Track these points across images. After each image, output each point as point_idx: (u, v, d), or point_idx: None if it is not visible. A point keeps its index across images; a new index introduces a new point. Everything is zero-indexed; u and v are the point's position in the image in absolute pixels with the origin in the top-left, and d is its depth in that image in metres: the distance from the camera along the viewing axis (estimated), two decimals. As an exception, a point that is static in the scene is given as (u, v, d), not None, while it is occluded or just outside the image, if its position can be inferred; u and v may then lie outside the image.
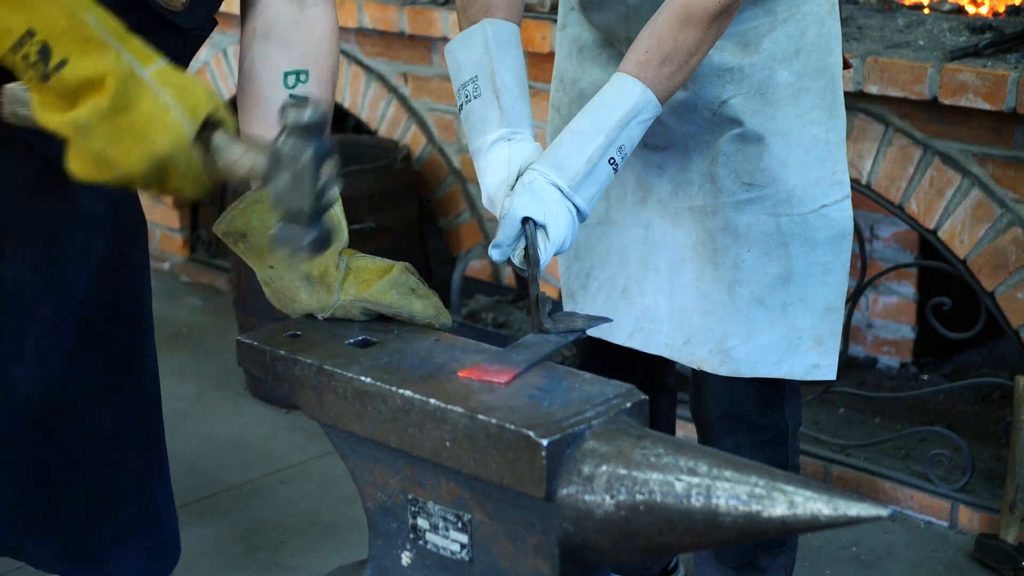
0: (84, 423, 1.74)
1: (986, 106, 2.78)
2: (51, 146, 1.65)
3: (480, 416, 1.33)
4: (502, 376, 1.42)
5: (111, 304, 1.75)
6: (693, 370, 2.31)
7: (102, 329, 1.73)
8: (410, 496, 1.45)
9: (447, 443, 1.36)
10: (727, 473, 1.27)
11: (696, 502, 1.26)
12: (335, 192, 1.47)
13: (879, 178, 3.06)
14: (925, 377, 3.70)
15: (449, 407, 1.36)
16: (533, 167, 1.81)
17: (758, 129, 2.11)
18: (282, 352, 1.51)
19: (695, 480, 1.27)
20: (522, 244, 1.76)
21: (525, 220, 1.76)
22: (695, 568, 2.51)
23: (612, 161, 1.82)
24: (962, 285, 3.08)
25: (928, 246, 3.49)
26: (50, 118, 1.37)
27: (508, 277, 4.08)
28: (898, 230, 3.64)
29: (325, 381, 1.46)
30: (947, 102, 2.83)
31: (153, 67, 1.36)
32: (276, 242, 1.38)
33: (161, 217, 5.01)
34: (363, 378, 1.43)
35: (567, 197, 1.78)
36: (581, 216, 1.82)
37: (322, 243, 1.37)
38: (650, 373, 2.45)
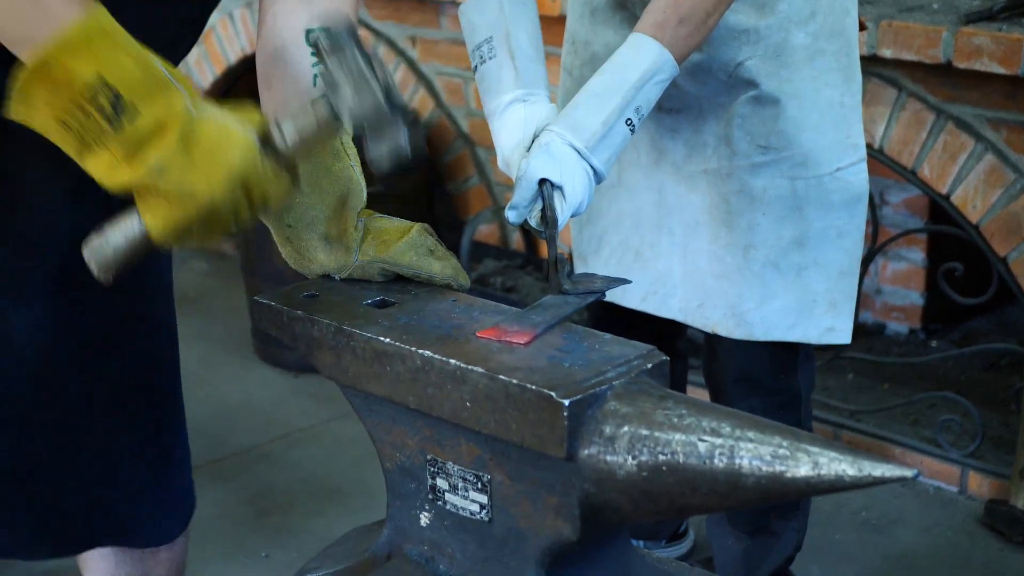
0: (95, 374, 1.73)
1: (1001, 70, 2.76)
2: None
3: (501, 376, 1.32)
4: (522, 337, 1.42)
5: None
6: (706, 334, 2.31)
7: (117, 284, 1.72)
8: (429, 457, 1.44)
9: (467, 403, 1.36)
10: (750, 434, 1.26)
11: (719, 463, 1.25)
12: (395, 84, 1.45)
13: (891, 143, 3.04)
14: (934, 343, 3.70)
15: (469, 367, 1.35)
16: (549, 128, 1.79)
17: (773, 91, 2.10)
18: (299, 312, 1.50)
19: (718, 441, 1.26)
20: (539, 206, 1.75)
21: (542, 182, 1.75)
22: (707, 532, 2.51)
23: (629, 122, 1.81)
24: (972, 251, 3.07)
25: (937, 212, 3.48)
26: (121, 174, 1.32)
27: (516, 242, 4.07)
28: (908, 196, 3.63)
29: (343, 341, 1.45)
30: (961, 66, 2.81)
31: (199, 100, 1.35)
32: (379, 159, 1.36)
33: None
34: (382, 338, 1.42)
35: (584, 158, 1.77)
36: (598, 178, 1.80)
37: (416, 136, 1.36)
38: (662, 338, 2.43)
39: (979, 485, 3.04)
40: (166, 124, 1.31)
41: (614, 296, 2.32)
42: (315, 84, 1.57)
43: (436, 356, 1.38)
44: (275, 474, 3.30)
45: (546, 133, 1.79)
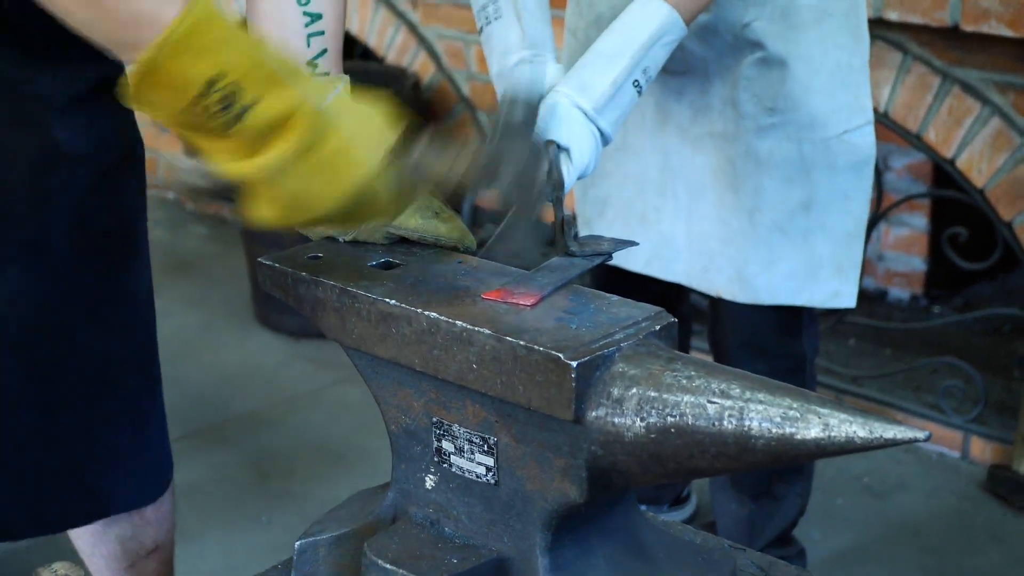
0: (71, 343, 1.72)
1: (1009, 33, 2.74)
2: (30, 84, 1.61)
3: (508, 338, 1.31)
4: (528, 299, 1.40)
5: (100, 229, 1.72)
6: (711, 298, 2.30)
7: (90, 252, 1.71)
8: (435, 419, 1.43)
9: (473, 365, 1.34)
10: (760, 395, 1.25)
11: (728, 425, 1.24)
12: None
13: (896, 107, 3.02)
14: (936, 309, 3.69)
15: (476, 329, 1.33)
16: (557, 89, 1.78)
17: (781, 53, 2.08)
18: (304, 274, 1.49)
19: (727, 403, 1.25)
20: (545, 168, 1.74)
21: (548, 143, 1.73)
22: (710, 496, 2.51)
23: (636, 84, 1.79)
24: (975, 217, 3.06)
25: (941, 178, 3.46)
26: (238, 167, 1.27)
27: (517, 207, 4.05)
28: (911, 161, 3.61)
29: (348, 303, 1.44)
30: (968, 29, 2.79)
31: (330, 97, 1.29)
32: (503, 247, 1.39)
33: (167, 145, 4.97)
34: (387, 300, 1.40)
35: (591, 120, 1.76)
36: (605, 140, 1.79)
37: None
38: (664, 302, 2.42)
39: (981, 451, 3.04)
40: (287, 122, 1.25)
41: (618, 259, 2.30)
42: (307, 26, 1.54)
43: (442, 318, 1.36)
44: (276, 439, 3.29)
45: (553, 94, 1.78)
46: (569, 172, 1.73)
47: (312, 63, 1.54)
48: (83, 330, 1.73)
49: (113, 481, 1.82)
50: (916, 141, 3.03)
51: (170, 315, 4.03)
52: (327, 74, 1.54)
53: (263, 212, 1.32)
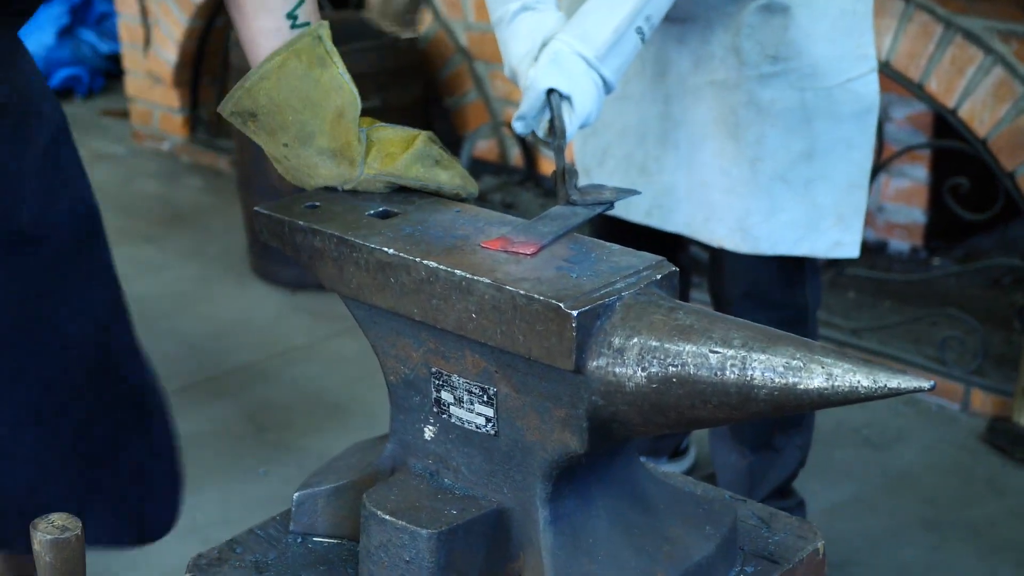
0: (41, 342, 1.63)
1: (1013, -19, 2.71)
2: None
3: (507, 287, 1.29)
4: (528, 247, 1.38)
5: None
6: (712, 249, 2.28)
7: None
8: (434, 369, 1.41)
9: (473, 315, 1.33)
10: (763, 345, 1.23)
11: (731, 375, 1.23)
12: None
13: (898, 56, 2.99)
14: (936, 261, 3.67)
15: (475, 278, 1.32)
16: (558, 37, 1.75)
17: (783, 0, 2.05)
18: (301, 223, 1.47)
19: (730, 352, 1.23)
20: (547, 116, 1.72)
21: (550, 92, 1.71)
22: (710, 448, 2.50)
23: (639, 30, 1.76)
24: (976, 168, 3.04)
25: (942, 128, 3.44)
26: None
27: (515, 158, 4.02)
28: (912, 112, 3.58)
29: (346, 252, 1.42)
30: (972, -23, 2.76)
31: None
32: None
33: (161, 97, 4.93)
34: (386, 249, 1.38)
35: (593, 68, 1.73)
36: (608, 88, 1.77)
37: None
38: (663, 253, 2.41)
39: (981, 403, 3.03)
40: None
41: (618, 211, 2.29)
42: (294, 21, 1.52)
43: (441, 267, 1.34)
44: (273, 391, 3.28)
45: (555, 42, 1.75)
46: (571, 121, 1.71)
47: (291, 15, 1.50)
48: (49, 329, 1.64)
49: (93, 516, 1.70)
50: (918, 91, 3.00)
51: (166, 268, 4.01)
52: (307, 24, 1.50)
53: None
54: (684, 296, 2.66)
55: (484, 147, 4.05)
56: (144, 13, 4.82)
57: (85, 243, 1.66)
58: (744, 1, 2.07)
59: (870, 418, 3.05)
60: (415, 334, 1.42)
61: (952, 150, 3.17)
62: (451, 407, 1.41)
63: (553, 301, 1.26)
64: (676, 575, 1.36)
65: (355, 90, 1.53)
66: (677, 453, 2.82)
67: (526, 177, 4.02)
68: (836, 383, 1.20)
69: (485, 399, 1.38)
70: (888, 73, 3.02)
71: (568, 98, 1.71)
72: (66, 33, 5.61)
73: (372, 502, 1.39)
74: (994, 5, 2.83)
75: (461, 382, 1.39)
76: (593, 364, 1.28)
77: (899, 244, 3.74)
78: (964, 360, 3.09)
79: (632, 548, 1.36)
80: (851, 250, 2.19)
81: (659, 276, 1.35)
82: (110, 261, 1.71)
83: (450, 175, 1.53)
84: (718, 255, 2.27)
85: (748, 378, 1.22)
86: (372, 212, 1.49)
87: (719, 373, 1.24)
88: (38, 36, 5.48)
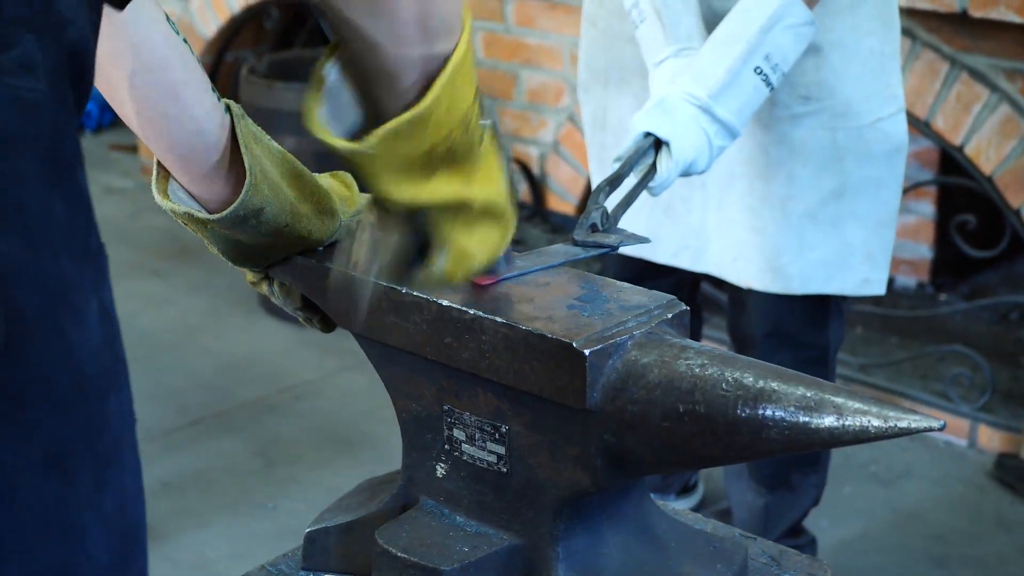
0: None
1: (1018, 19, 2.73)
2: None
3: (520, 326, 1.30)
4: (484, 279, 1.38)
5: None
6: (734, 288, 2.28)
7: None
8: (446, 407, 1.42)
9: (485, 354, 1.34)
10: (774, 384, 1.24)
11: (742, 413, 1.24)
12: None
13: (905, 94, 3.01)
14: (942, 297, 3.68)
15: (487, 317, 1.33)
16: (673, 80, 1.76)
17: (816, 40, 2.06)
18: (312, 261, 1.48)
19: (741, 391, 1.24)
20: (649, 160, 1.70)
21: (646, 136, 1.70)
22: (725, 486, 2.50)
23: (759, 70, 1.75)
24: (982, 204, 3.05)
25: (948, 165, 3.45)
26: (485, 189, 1.20)
27: (523, 193, 4.04)
28: (918, 148, 3.60)
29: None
30: (977, 15, 2.78)
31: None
32: None
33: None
34: (399, 288, 1.39)
35: (705, 111, 1.72)
36: (729, 133, 1.75)
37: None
38: (679, 293, 2.42)
39: (989, 439, 3.03)
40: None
41: (645, 251, 2.29)
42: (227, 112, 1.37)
43: (453, 305, 1.36)
44: (282, 426, 3.29)
45: (667, 86, 1.76)
46: (668, 167, 1.70)
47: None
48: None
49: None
50: (924, 128, 3.02)
51: (174, 302, 4.02)
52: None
53: (483, 244, 1.24)
54: (697, 334, 2.66)
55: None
56: (154, 49, 4.85)
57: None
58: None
59: (878, 454, 3.05)
60: (428, 372, 1.43)
61: (958, 187, 3.18)
62: (463, 444, 1.42)
63: (565, 340, 1.27)
64: (687, 613, 1.36)
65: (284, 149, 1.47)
66: (685, 489, 2.82)
67: (533, 213, 4.03)
68: (847, 422, 1.20)
69: (497, 437, 1.39)
70: (894, 110, 3.04)
71: (667, 144, 1.70)
72: (76, 68, 5.65)
73: (384, 539, 1.39)
74: (1000, 43, 2.85)
75: (473, 420, 1.40)
76: (605, 402, 1.29)
77: (906, 280, 3.75)
78: (971, 396, 3.10)
79: (643, 586, 1.37)
80: (879, 287, 2.21)
81: (670, 315, 1.36)
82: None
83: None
84: (742, 294, 2.28)
85: (759, 416, 1.23)
86: (384, 250, 1.50)
87: (731, 411, 1.24)
88: (48, 71, 5.51)
